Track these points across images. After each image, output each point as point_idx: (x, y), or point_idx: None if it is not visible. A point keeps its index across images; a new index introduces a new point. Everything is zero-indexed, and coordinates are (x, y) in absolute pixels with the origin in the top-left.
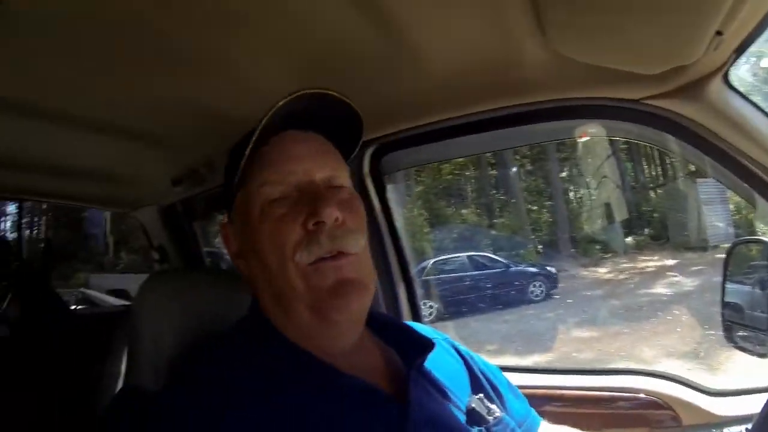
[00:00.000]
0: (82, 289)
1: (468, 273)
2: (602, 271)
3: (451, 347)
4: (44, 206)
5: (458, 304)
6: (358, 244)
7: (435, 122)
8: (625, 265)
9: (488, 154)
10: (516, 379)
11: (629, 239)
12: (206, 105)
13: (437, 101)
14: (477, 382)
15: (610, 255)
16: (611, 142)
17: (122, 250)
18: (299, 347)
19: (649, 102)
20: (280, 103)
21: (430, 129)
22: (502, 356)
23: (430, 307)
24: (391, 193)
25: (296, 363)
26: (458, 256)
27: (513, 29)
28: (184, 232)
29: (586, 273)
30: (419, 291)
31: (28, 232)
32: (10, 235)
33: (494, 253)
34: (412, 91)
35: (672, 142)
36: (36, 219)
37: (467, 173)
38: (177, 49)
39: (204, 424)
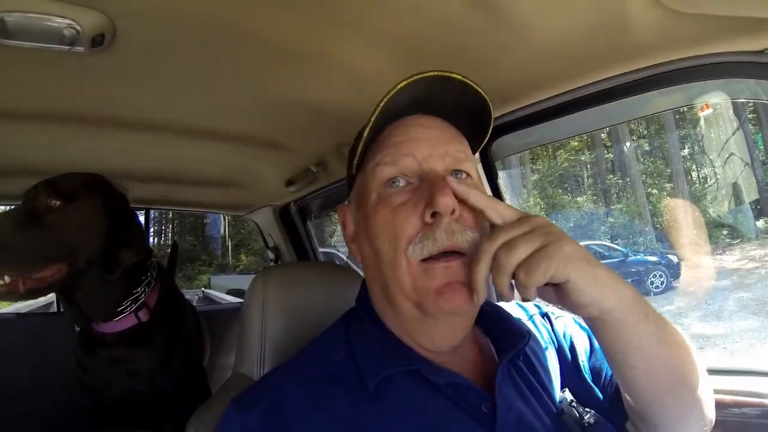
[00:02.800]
0: (202, 289)
1: None
2: (729, 259)
3: (544, 322)
4: (170, 215)
5: None
6: (474, 242)
7: (544, 100)
8: (755, 252)
9: (603, 136)
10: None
11: (760, 222)
12: (315, 104)
13: (545, 78)
14: (570, 367)
15: (738, 241)
16: (737, 113)
17: (242, 252)
18: (399, 339)
19: None
20: (401, 85)
21: (540, 108)
22: None
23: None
24: (503, 179)
25: (392, 354)
26: None
27: None
28: (297, 232)
29: (711, 261)
30: None
31: (156, 239)
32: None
33: (612, 241)
34: (518, 70)
35: None
36: (164, 227)
37: (583, 158)
38: (283, 51)
39: (295, 408)
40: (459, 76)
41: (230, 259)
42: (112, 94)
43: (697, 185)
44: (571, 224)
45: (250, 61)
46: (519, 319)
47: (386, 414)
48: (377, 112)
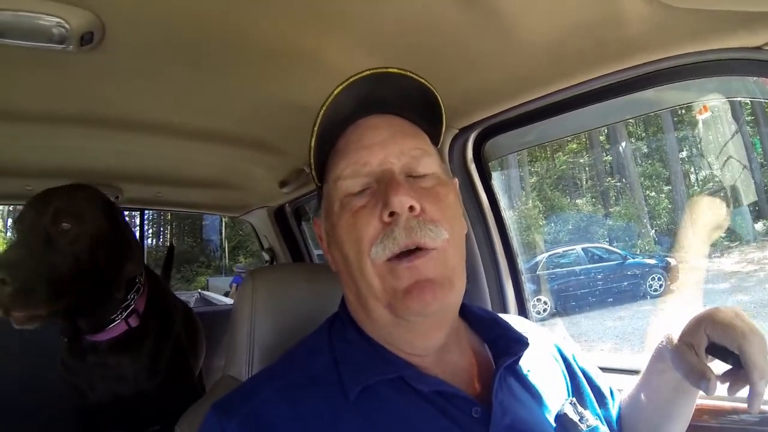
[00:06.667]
0: (199, 291)
1: (582, 266)
2: (728, 262)
3: (551, 341)
4: (169, 216)
5: (572, 300)
6: (440, 237)
7: (538, 99)
8: (753, 254)
9: (602, 138)
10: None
11: (759, 225)
12: (305, 105)
13: (538, 76)
14: (576, 385)
15: (736, 243)
16: (735, 116)
17: (240, 254)
18: (380, 345)
19: None
20: (337, 90)
21: (534, 108)
22: (616, 356)
23: (545, 303)
24: (499, 180)
25: (375, 361)
26: (573, 249)
27: None
28: (292, 233)
29: (709, 264)
30: (533, 287)
31: (154, 240)
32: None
33: (610, 244)
34: (509, 68)
35: None
36: (162, 228)
37: (581, 160)
38: (273, 52)
39: (275, 415)
40: (396, 70)
41: (228, 260)
42: (103, 94)
43: (696, 188)
44: (570, 227)
45: (240, 62)
46: (523, 326)
47: (368, 423)
48: (318, 122)
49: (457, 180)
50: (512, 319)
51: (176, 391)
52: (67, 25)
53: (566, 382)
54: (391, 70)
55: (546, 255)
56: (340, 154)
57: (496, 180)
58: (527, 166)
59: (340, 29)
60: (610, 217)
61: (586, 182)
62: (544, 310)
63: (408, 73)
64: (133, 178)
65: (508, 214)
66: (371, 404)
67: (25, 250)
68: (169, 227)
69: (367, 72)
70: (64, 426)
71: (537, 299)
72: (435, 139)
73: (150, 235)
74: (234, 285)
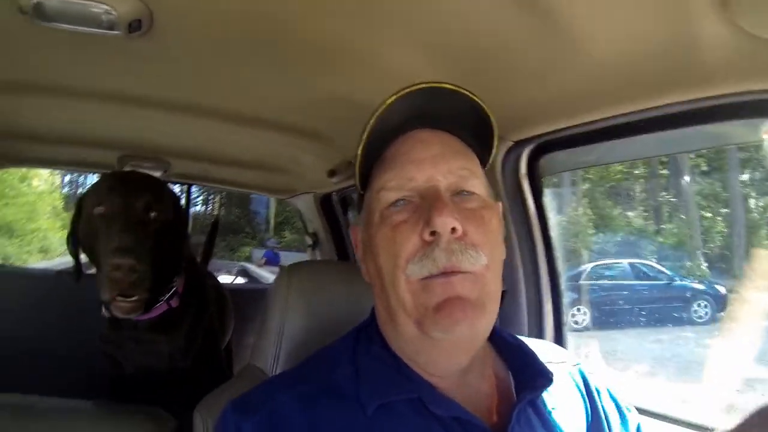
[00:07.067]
0: (242, 263)
1: (627, 282)
2: None
3: (578, 375)
4: None
5: (612, 315)
6: (479, 262)
7: (599, 120)
8: None
9: None
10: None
11: None
12: (358, 100)
13: (601, 96)
14: (598, 425)
15: None
16: None
17: (286, 229)
18: (403, 363)
19: None
20: (390, 100)
21: (594, 128)
22: (651, 380)
23: (584, 314)
24: (549, 197)
25: (395, 379)
26: (619, 263)
27: (687, 3)
28: (338, 221)
29: (763, 297)
30: (575, 295)
31: (203, 208)
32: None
33: (659, 263)
34: (573, 85)
35: None
36: (211, 196)
37: (636, 172)
38: (324, 48)
39: (290, 424)
40: (450, 86)
41: (273, 234)
42: (155, 78)
43: (755, 214)
44: (618, 239)
45: (291, 56)
46: (553, 355)
47: None
48: (367, 131)
49: (500, 204)
50: (543, 346)
51: (205, 370)
52: (114, 12)
53: (587, 419)
54: (445, 85)
55: (591, 265)
56: (387, 165)
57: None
58: (580, 172)
59: (395, 29)
60: (661, 234)
61: (640, 194)
62: (583, 321)
63: (463, 90)
64: (181, 154)
65: (556, 219)
66: (387, 422)
67: (134, 236)
68: (218, 196)
69: (422, 85)
70: (97, 390)
71: (577, 309)
72: (484, 161)
73: (199, 203)
74: (264, 258)
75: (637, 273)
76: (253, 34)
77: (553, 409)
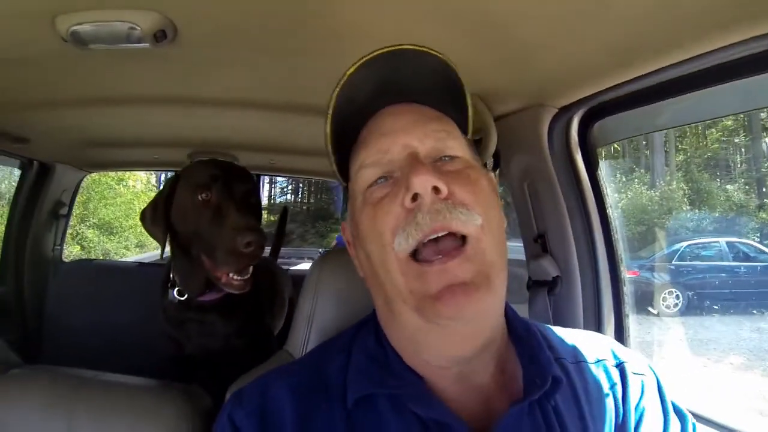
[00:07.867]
0: (321, 250)
1: (725, 263)
2: None
3: (618, 375)
4: None
5: (707, 298)
6: (471, 220)
7: (654, 72)
8: None
9: (763, 116)
10: None
11: None
12: None
13: (664, 40)
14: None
15: None
16: None
17: None
18: (397, 357)
19: None
20: (350, 71)
21: (646, 85)
22: (746, 374)
23: (677, 297)
24: (639, 171)
25: (379, 372)
26: (716, 242)
27: None
28: None
29: None
30: (667, 277)
31: (293, 197)
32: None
33: (761, 242)
34: (627, 29)
35: None
36: (301, 184)
37: (736, 140)
38: (353, 34)
39: (279, 415)
40: (412, 46)
41: None
42: (196, 79)
43: None
44: (716, 214)
45: (343, 45)
46: (551, 357)
47: None
48: (332, 106)
49: (493, 174)
50: (582, 340)
51: (257, 352)
52: (138, 27)
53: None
54: (407, 46)
55: (685, 244)
56: (361, 145)
57: (641, 158)
58: (675, 141)
59: (421, 5)
60: (764, 209)
61: (740, 165)
62: (675, 305)
63: (426, 49)
64: (246, 147)
65: (648, 194)
66: (365, 417)
67: (254, 218)
68: (307, 183)
69: (384, 49)
70: (162, 370)
71: (668, 292)
72: (463, 127)
73: (290, 192)
74: (336, 243)
75: (736, 253)
76: (277, 27)
77: (568, 412)
